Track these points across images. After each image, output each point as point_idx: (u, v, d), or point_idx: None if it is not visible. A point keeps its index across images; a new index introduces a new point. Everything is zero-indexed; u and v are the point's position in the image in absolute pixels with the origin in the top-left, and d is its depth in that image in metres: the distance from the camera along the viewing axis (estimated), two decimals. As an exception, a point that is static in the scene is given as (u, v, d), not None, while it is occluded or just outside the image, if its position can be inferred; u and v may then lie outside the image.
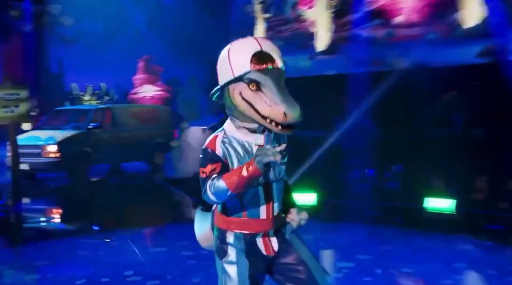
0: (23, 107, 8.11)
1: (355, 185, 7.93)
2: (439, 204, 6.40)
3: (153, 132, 11.47)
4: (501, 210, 6.30)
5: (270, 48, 1.86)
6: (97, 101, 18.40)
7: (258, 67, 1.81)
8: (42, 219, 7.47)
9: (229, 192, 1.82)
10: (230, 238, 1.95)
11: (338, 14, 11.67)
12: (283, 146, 1.82)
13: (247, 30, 16.00)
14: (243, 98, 1.84)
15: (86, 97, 19.20)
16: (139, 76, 18.83)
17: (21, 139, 9.77)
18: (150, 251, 5.16)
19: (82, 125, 10.23)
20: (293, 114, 1.76)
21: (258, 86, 1.81)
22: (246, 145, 1.91)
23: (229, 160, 1.90)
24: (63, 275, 4.42)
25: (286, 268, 1.98)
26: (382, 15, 10.74)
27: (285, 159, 1.93)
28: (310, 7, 12.34)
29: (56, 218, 7.62)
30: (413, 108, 9.13)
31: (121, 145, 10.55)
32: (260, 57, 1.82)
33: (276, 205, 1.96)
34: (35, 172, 9.97)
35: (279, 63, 1.85)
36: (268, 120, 1.80)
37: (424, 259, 4.63)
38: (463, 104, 8.92)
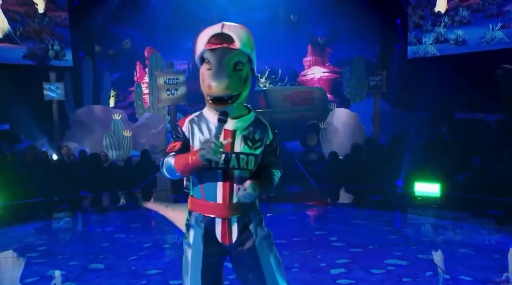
0: (181, 90, 9.21)
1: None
2: None
3: (306, 114, 11.66)
4: None
5: (233, 31, 1.82)
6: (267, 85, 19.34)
7: (212, 46, 1.80)
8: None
9: (177, 173, 1.85)
10: (192, 219, 1.97)
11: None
12: (228, 140, 1.81)
13: (424, 2, 14.79)
14: (203, 77, 1.85)
15: (262, 80, 20.35)
16: (308, 58, 19.17)
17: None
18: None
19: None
20: (216, 86, 1.75)
21: (210, 65, 1.81)
22: (212, 126, 1.89)
23: (191, 139, 1.91)
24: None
25: (242, 263, 1.97)
26: None
27: (258, 151, 1.90)
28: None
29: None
30: None
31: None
32: (215, 38, 1.81)
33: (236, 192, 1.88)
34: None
35: (237, 44, 1.80)
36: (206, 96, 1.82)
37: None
38: None
